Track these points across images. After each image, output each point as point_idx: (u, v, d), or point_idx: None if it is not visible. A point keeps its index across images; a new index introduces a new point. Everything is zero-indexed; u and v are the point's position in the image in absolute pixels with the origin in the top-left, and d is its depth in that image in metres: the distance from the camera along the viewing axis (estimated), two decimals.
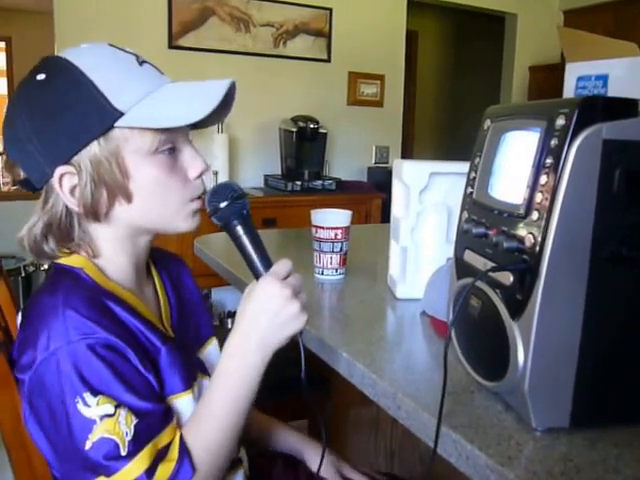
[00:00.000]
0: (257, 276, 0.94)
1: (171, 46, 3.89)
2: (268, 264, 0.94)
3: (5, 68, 8.16)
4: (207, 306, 1.16)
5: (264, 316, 0.89)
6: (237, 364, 0.90)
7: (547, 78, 5.18)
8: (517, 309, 0.78)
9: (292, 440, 1.28)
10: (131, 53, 0.93)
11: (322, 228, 1.47)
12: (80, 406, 0.79)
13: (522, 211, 0.79)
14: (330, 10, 4.44)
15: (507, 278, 0.80)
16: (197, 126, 0.96)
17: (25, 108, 0.88)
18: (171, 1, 3.85)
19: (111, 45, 0.93)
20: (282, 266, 0.92)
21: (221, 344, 0.95)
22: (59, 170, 0.88)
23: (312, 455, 1.24)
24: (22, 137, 0.88)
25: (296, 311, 0.89)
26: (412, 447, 1.30)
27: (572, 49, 1.41)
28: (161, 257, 1.13)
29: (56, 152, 0.88)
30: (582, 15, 5.22)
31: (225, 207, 0.93)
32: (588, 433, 0.78)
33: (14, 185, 0.94)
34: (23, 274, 3.53)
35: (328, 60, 4.51)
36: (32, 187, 0.92)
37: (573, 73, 1.30)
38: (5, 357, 0.89)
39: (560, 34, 1.58)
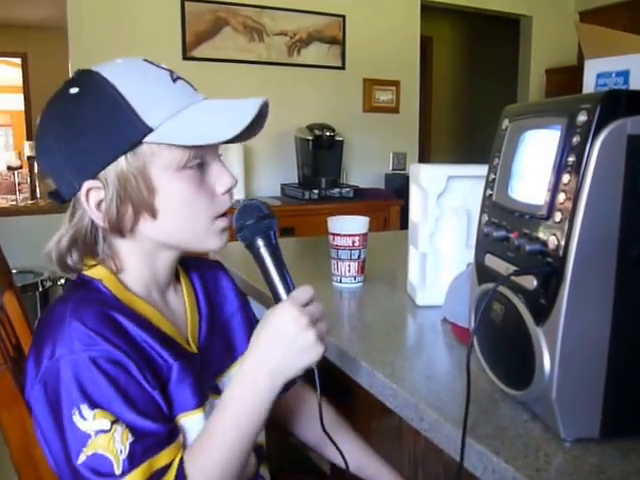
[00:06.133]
0: (277, 300, 0.90)
1: (185, 57, 3.91)
2: (289, 288, 0.90)
3: (21, 84, 8.25)
4: (247, 314, 1.11)
5: (278, 344, 0.85)
6: (246, 393, 0.86)
7: (564, 80, 5.12)
8: (542, 314, 0.75)
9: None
10: (165, 69, 0.92)
11: (339, 235, 1.45)
12: (76, 418, 0.78)
13: (544, 212, 0.76)
14: (343, 17, 4.44)
15: (530, 282, 0.77)
16: (228, 141, 0.95)
17: (56, 121, 0.89)
18: (184, 12, 3.87)
19: (146, 60, 0.93)
20: (303, 292, 0.88)
21: None
22: (86, 185, 0.87)
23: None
24: (52, 150, 0.88)
25: (311, 341, 0.85)
26: (436, 457, 1.26)
27: (591, 45, 1.37)
28: (196, 264, 1.11)
29: (84, 166, 0.87)
30: (598, 15, 5.16)
31: (251, 225, 0.90)
32: (620, 443, 0.74)
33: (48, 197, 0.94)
34: (40, 289, 3.54)
35: (343, 67, 4.51)
36: (61, 199, 0.92)
37: (592, 70, 1.27)
38: (12, 375, 0.87)
39: (578, 30, 1.55)
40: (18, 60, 8.31)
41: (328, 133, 4.06)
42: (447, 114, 7.46)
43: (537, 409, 0.81)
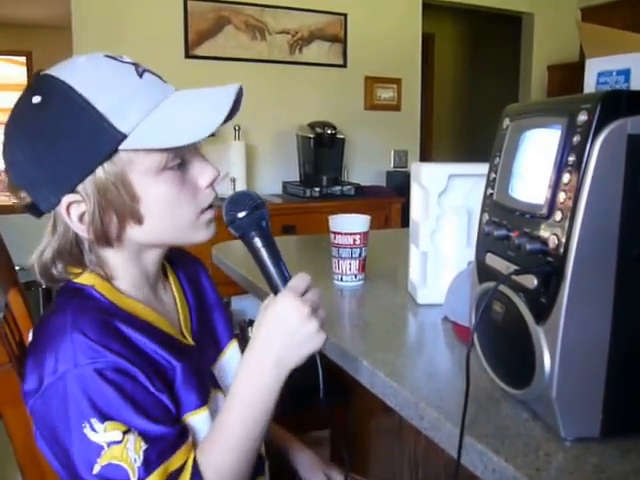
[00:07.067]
0: (275, 290, 0.91)
1: (187, 56, 3.91)
2: (286, 278, 0.90)
3: (25, 82, 8.23)
4: (225, 308, 1.12)
5: (281, 335, 0.85)
6: (251, 385, 0.86)
7: (566, 77, 5.12)
8: (542, 313, 0.75)
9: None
10: (130, 63, 0.88)
11: (340, 234, 1.45)
12: (87, 431, 0.77)
13: (545, 211, 0.76)
14: (345, 15, 4.43)
15: (531, 281, 0.77)
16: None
17: (22, 134, 0.85)
18: (187, 11, 3.87)
19: (107, 56, 0.88)
20: (300, 281, 0.88)
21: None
22: (65, 200, 0.84)
23: (299, 458, 1.23)
24: (23, 164, 0.85)
25: (314, 330, 0.85)
26: (436, 456, 1.27)
27: (592, 44, 1.37)
28: (179, 257, 1.10)
29: (60, 181, 0.84)
30: (599, 12, 5.15)
31: (243, 217, 0.90)
32: (620, 442, 0.74)
33: (22, 208, 0.89)
34: (44, 285, 3.51)
35: (344, 65, 4.50)
36: (39, 212, 0.89)
37: (593, 69, 1.27)
38: (17, 373, 0.87)
39: (580, 29, 1.54)
40: (23, 58, 8.31)
41: (329, 131, 4.05)
42: (449, 112, 7.44)
43: (537, 408, 0.81)
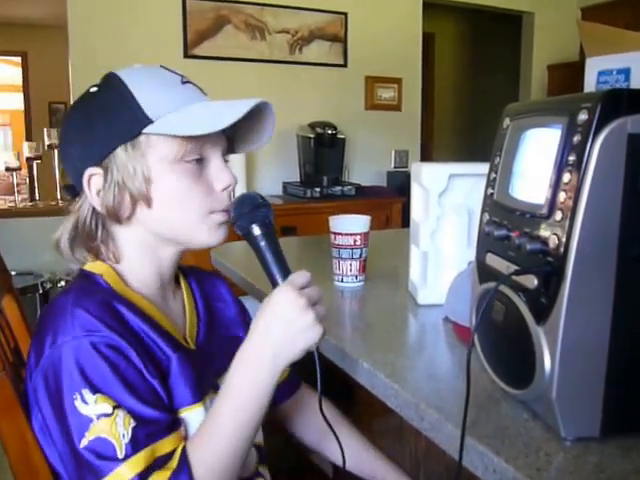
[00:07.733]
0: (275, 286, 0.92)
1: (186, 55, 3.91)
2: (287, 274, 0.91)
3: (21, 83, 8.24)
4: (246, 319, 1.12)
5: (277, 326, 0.86)
6: (247, 379, 0.86)
7: (566, 76, 5.12)
8: (542, 314, 0.75)
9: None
10: (178, 74, 0.98)
11: (341, 234, 1.45)
12: (78, 403, 0.79)
13: (545, 211, 0.76)
14: (345, 15, 4.44)
15: (531, 281, 0.77)
16: (237, 149, 1.02)
17: (73, 116, 0.97)
18: (186, 11, 3.87)
19: (162, 67, 0.99)
20: (300, 276, 0.90)
21: None
22: (89, 171, 0.92)
23: None
24: (68, 142, 0.96)
25: (310, 321, 0.85)
26: (437, 457, 1.27)
27: (592, 43, 1.37)
28: (196, 272, 1.14)
29: (89, 154, 0.92)
30: (600, 11, 5.16)
31: (247, 215, 0.93)
32: (620, 442, 0.74)
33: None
34: (40, 291, 3.51)
35: (344, 65, 4.51)
36: (74, 191, 0.97)
37: (594, 68, 1.27)
38: (11, 381, 0.87)
39: (580, 28, 1.54)
40: (18, 59, 8.30)
41: (330, 131, 4.06)
42: (449, 111, 7.44)
43: (538, 408, 0.81)
